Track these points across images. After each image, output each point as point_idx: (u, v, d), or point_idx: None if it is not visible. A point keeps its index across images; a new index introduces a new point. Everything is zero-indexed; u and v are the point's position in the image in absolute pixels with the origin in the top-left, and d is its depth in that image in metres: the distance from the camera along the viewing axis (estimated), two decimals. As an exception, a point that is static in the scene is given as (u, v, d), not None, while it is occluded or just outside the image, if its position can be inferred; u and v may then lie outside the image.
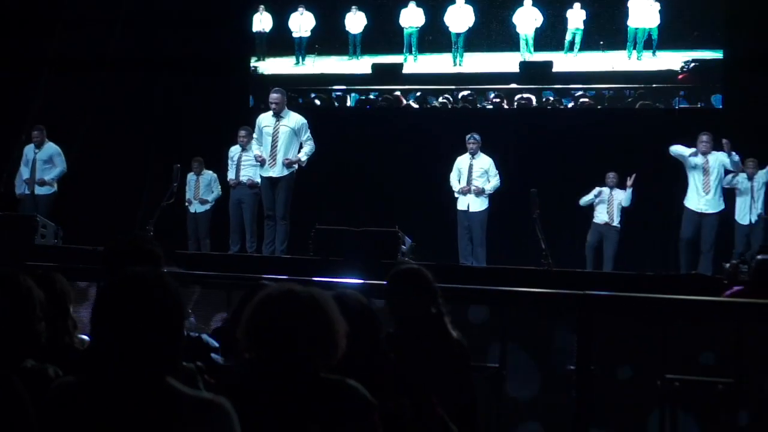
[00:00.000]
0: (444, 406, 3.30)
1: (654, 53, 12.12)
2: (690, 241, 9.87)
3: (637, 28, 12.14)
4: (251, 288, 3.60)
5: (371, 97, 13.13)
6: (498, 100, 12.63)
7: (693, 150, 9.89)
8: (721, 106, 11.89)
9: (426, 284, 4.03)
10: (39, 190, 10.65)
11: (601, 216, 11.09)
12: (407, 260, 7.99)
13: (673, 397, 5.15)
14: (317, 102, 13.11)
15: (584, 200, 11.13)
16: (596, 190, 11.09)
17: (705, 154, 9.86)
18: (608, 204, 11.07)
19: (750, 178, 10.25)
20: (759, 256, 6.30)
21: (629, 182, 10.90)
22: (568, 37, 12.35)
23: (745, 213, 10.26)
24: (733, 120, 11.26)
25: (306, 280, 4.93)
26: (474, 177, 10.43)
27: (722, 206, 9.98)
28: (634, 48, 12.17)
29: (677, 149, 10.01)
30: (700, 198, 9.86)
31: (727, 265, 7.99)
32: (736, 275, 7.07)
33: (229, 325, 3.58)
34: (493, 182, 10.45)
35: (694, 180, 9.91)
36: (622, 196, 11.02)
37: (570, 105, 12.50)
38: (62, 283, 3.19)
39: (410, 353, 3.58)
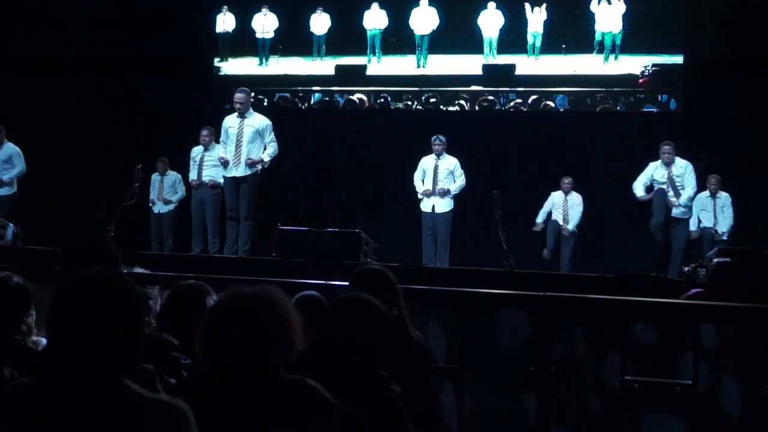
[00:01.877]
0: (405, 408, 3.31)
1: (617, 57, 12.22)
2: (663, 223, 9.85)
3: (604, 33, 12.23)
4: (174, 289, 3.60)
5: (336, 98, 13.11)
6: (462, 102, 12.67)
7: (654, 169, 9.89)
8: (675, 109, 12.00)
9: (388, 285, 4.03)
10: (-2, 191, 10.52)
11: (557, 218, 11.20)
12: (370, 261, 8.00)
13: (632, 398, 5.19)
14: (281, 103, 13.08)
15: (539, 218, 11.22)
16: (547, 205, 11.22)
17: (668, 164, 9.85)
18: (562, 208, 11.17)
19: (712, 195, 10.26)
20: (716, 260, 6.38)
21: None
22: (530, 40, 12.43)
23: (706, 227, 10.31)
24: (692, 124, 11.38)
25: (268, 281, 4.92)
26: (439, 178, 10.45)
27: (690, 213, 10.02)
28: (601, 52, 12.24)
29: (640, 191, 9.98)
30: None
31: (686, 268, 8.07)
32: (694, 278, 7.14)
33: (158, 324, 3.58)
34: (458, 183, 10.47)
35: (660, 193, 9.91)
36: (576, 201, 11.12)
37: (531, 107, 12.57)
38: (18, 284, 3.15)
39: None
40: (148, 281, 5.45)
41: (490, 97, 12.60)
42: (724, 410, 5.27)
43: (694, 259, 8.78)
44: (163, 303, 3.66)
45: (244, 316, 2.44)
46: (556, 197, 11.27)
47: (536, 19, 12.39)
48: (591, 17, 12.27)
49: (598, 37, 12.24)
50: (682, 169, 9.83)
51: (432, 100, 12.80)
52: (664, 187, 9.78)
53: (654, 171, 9.89)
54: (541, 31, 12.38)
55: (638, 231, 10.19)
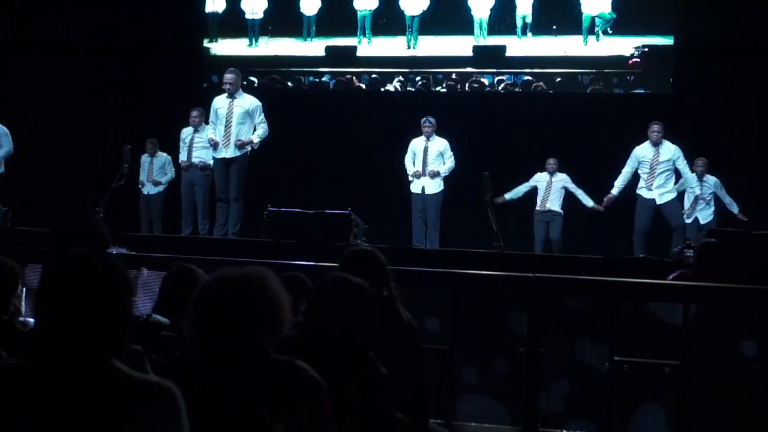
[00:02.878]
0: (394, 390, 3.32)
1: (609, 35, 12.14)
2: (645, 234, 9.87)
3: (594, 16, 12.18)
4: (174, 271, 3.60)
5: (324, 79, 13.07)
6: (452, 83, 12.65)
7: (642, 149, 9.90)
8: (665, 92, 11.99)
9: (379, 266, 4.03)
10: (-16, 172, 10.46)
11: (542, 203, 11.17)
12: (360, 242, 8.01)
13: (621, 378, 5.21)
14: (270, 84, 13.03)
15: (508, 195, 11.20)
16: (530, 183, 11.22)
17: (656, 144, 9.83)
18: (546, 190, 11.13)
19: (700, 178, 10.28)
20: (702, 240, 6.41)
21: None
22: (518, 22, 12.38)
23: (692, 213, 10.33)
24: (683, 105, 11.38)
25: (257, 262, 4.91)
26: (430, 160, 10.46)
27: (675, 194, 10.02)
28: (590, 34, 12.19)
29: (628, 172, 9.99)
30: (650, 190, 9.86)
31: (675, 249, 8.11)
32: (681, 259, 7.16)
33: (157, 307, 3.58)
34: (447, 164, 10.48)
35: (643, 173, 9.88)
36: (561, 182, 11.10)
37: (522, 88, 12.54)
38: (5, 264, 3.14)
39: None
40: (137, 262, 5.46)
41: (480, 79, 12.57)
42: (711, 390, 5.30)
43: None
44: (161, 285, 3.67)
45: (234, 297, 2.44)
46: (540, 178, 11.23)
47: (524, 2, 12.34)
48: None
49: (585, 22, 12.17)
50: (671, 153, 9.80)
51: (423, 81, 12.77)
52: (653, 194, 9.82)
53: (640, 152, 9.88)
54: (529, 12, 12.32)
55: (630, 213, 10.20)
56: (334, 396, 2.58)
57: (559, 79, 12.41)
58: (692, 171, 10.23)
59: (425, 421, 3.96)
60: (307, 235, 7.97)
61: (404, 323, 4.02)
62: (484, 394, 5.60)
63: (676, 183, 9.98)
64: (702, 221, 10.34)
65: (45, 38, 12.44)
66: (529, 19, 12.31)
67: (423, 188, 10.43)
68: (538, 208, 11.20)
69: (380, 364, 3.15)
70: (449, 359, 5.35)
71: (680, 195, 10.28)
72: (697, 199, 10.30)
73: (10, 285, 3.11)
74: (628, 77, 12.18)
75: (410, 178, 10.55)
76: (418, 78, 12.79)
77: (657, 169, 9.75)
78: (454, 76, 12.64)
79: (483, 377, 5.66)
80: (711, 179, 10.33)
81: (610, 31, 12.05)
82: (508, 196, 11.20)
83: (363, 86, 12.95)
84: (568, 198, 11.19)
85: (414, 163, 10.53)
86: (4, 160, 10.52)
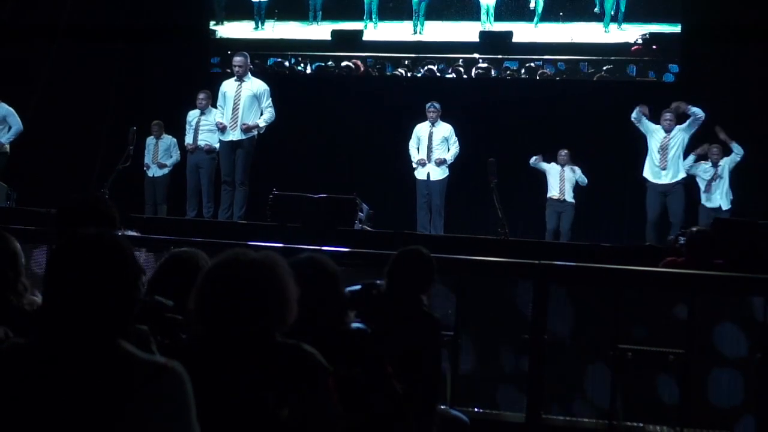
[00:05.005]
0: (414, 377, 3.35)
1: (620, 25, 12.12)
2: (658, 223, 9.90)
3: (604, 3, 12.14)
4: (170, 255, 3.58)
5: (330, 63, 13.03)
6: (459, 68, 12.62)
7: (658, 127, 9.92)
8: (672, 79, 11.96)
9: (428, 269, 4.22)
10: (-10, 152, 10.45)
11: (553, 191, 11.15)
12: (363, 227, 8.01)
13: (625, 366, 5.21)
14: (275, 68, 13.01)
15: (533, 161, 11.22)
16: (546, 165, 11.19)
17: (668, 131, 9.88)
18: (560, 180, 11.12)
19: (714, 165, 10.30)
20: (693, 228, 6.43)
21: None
22: (532, 4, 12.33)
23: (713, 198, 10.32)
24: (690, 92, 11.35)
25: (263, 246, 4.91)
26: (434, 146, 10.42)
27: (683, 174, 10.03)
28: (601, 18, 12.14)
29: (643, 122, 9.98)
30: (658, 172, 9.90)
31: (670, 237, 8.12)
32: (676, 247, 7.16)
33: (149, 289, 3.56)
34: (452, 150, 10.43)
35: (653, 155, 9.92)
36: (572, 174, 11.07)
37: (528, 75, 12.51)
38: (12, 244, 3.12)
39: (385, 326, 3.59)
40: (142, 244, 5.45)
41: (486, 65, 12.54)
42: (715, 379, 5.31)
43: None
44: (157, 269, 3.64)
45: (242, 280, 2.43)
46: (552, 169, 11.20)
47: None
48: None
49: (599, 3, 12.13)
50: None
51: (429, 66, 12.74)
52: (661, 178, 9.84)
53: (654, 133, 9.91)
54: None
55: (638, 200, 10.19)
56: (338, 378, 2.57)
57: (565, 66, 12.38)
58: (708, 159, 10.26)
59: (433, 406, 4.00)
60: (312, 218, 7.98)
61: (426, 315, 4.11)
62: (488, 380, 5.60)
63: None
64: (724, 207, 10.32)
65: (49, 21, 12.40)
66: (540, 7, 12.24)
67: (428, 174, 10.39)
68: (550, 196, 11.17)
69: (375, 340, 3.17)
70: (454, 345, 5.35)
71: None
72: (710, 182, 10.30)
73: (14, 264, 3.10)
74: (636, 64, 12.14)
75: (414, 165, 10.51)
76: (424, 63, 12.75)
77: (670, 155, 9.82)
78: (460, 61, 12.61)
79: (487, 363, 5.66)
80: (726, 162, 10.33)
81: (618, 25, 12.02)
82: (533, 161, 11.19)
83: (369, 71, 12.92)
84: (578, 187, 11.18)
85: (418, 149, 10.47)
86: (10, 140, 10.52)
